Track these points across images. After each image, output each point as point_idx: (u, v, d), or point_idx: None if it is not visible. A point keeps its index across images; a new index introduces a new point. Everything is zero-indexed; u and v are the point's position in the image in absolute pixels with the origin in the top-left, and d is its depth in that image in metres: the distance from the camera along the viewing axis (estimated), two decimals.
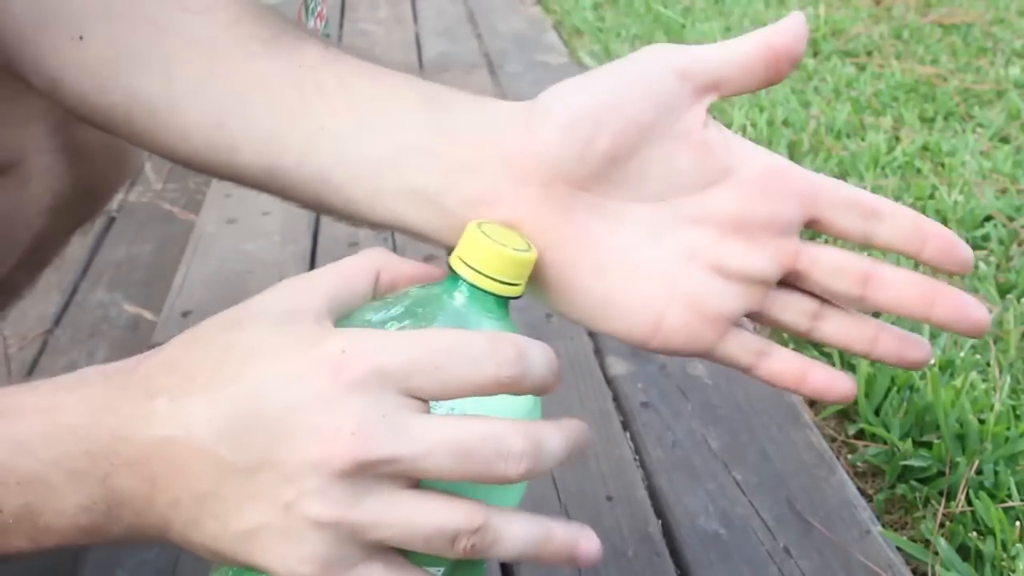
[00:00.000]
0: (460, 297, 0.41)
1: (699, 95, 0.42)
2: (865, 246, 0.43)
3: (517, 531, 0.37)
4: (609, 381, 0.92)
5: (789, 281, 0.44)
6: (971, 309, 0.42)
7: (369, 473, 0.35)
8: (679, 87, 0.41)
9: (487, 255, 0.40)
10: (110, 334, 1.08)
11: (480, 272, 0.40)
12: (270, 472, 0.35)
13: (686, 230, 0.42)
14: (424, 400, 0.37)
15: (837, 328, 0.44)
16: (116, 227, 1.34)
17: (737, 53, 0.42)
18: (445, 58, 1.91)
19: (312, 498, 0.35)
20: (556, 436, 0.38)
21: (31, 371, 1.02)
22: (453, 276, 0.41)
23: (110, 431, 0.36)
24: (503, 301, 0.41)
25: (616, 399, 0.89)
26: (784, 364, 0.44)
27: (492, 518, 0.37)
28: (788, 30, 0.42)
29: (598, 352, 0.96)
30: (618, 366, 0.93)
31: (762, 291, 0.43)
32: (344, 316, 0.41)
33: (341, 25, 2.17)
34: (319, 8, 1.82)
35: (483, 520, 0.36)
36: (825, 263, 0.43)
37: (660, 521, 0.75)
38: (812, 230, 0.44)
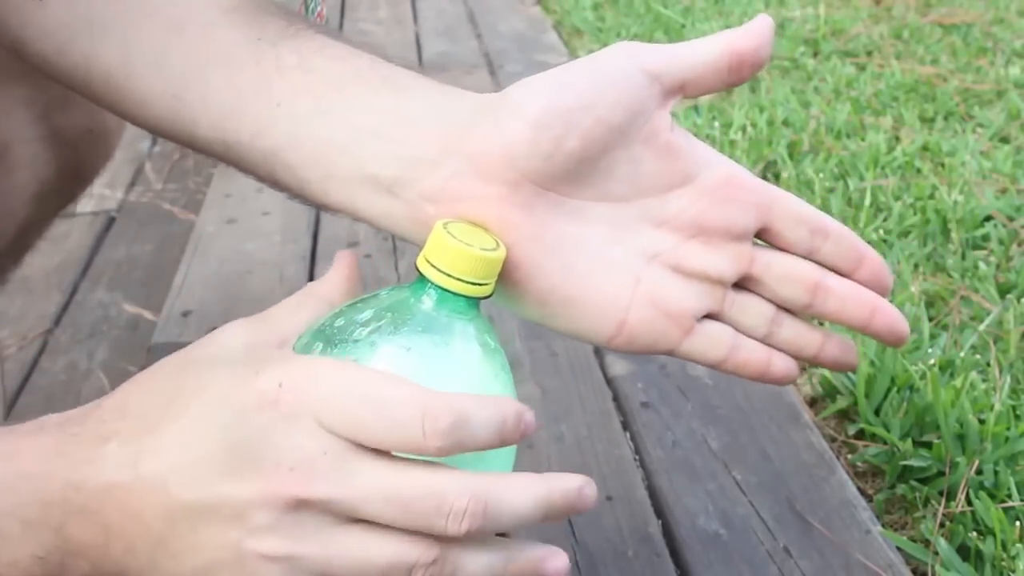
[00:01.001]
0: (428, 300, 0.40)
1: (667, 97, 0.42)
2: (807, 259, 0.45)
3: (476, 560, 0.37)
4: (609, 381, 0.92)
5: (745, 285, 0.45)
6: (900, 324, 0.46)
7: (314, 509, 0.35)
8: (649, 89, 0.41)
9: (454, 256, 0.39)
10: (110, 334, 1.08)
11: (448, 274, 0.39)
12: (219, 509, 0.35)
13: (648, 231, 0.43)
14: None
15: (792, 333, 0.45)
16: (116, 227, 1.34)
17: (702, 54, 0.42)
18: (445, 58, 1.91)
19: (261, 534, 0.35)
20: (517, 494, 0.36)
21: (31, 371, 1.02)
22: (421, 278, 0.40)
23: (62, 479, 0.36)
24: (473, 301, 0.41)
25: (616, 399, 0.89)
26: (750, 354, 0.45)
27: (449, 551, 0.36)
28: (752, 34, 0.42)
29: (598, 352, 0.96)
30: (618, 366, 0.93)
31: (720, 291, 0.44)
32: (312, 324, 0.41)
33: (341, 25, 2.17)
34: (319, 8, 1.82)
35: (438, 553, 0.36)
36: (777, 270, 0.44)
37: (660, 521, 0.75)
38: (762, 239, 0.45)
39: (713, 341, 0.44)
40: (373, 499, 0.35)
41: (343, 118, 0.43)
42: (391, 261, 1.15)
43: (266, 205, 1.32)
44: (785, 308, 0.45)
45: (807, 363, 0.47)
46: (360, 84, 0.44)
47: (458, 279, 0.39)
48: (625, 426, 0.86)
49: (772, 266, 0.44)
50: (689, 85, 0.42)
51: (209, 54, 0.45)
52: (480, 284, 0.40)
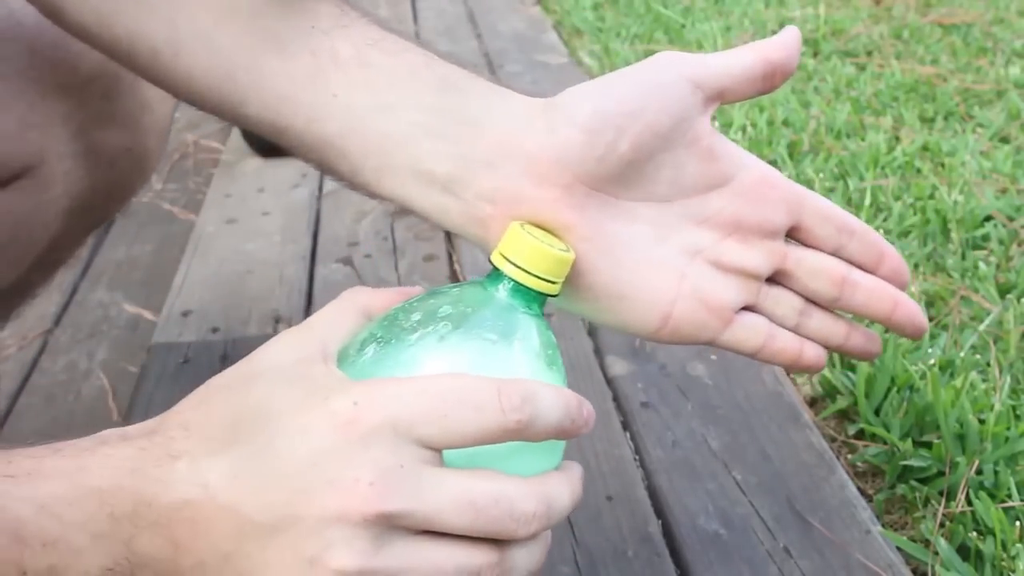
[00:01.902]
0: (502, 293, 0.42)
1: (708, 104, 0.45)
2: (834, 255, 0.48)
3: (530, 554, 0.39)
4: (609, 381, 0.92)
5: (777, 280, 0.48)
6: (919, 317, 0.49)
7: (389, 523, 0.36)
8: (692, 96, 0.44)
9: (532, 253, 0.41)
10: (110, 334, 1.08)
11: (524, 269, 0.41)
12: (292, 527, 0.36)
13: (690, 229, 0.46)
14: (436, 449, 0.37)
15: (820, 324, 0.49)
16: (116, 227, 1.34)
17: (739, 64, 0.45)
18: (445, 58, 1.91)
19: (335, 550, 0.35)
20: (565, 493, 0.40)
21: (31, 371, 1.02)
22: (494, 273, 0.42)
23: (133, 495, 0.37)
24: (542, 299, 0.42)
25: (616, 399, 0.89)
26: (784, 343, 0.48)
27: (507, 551, 0.38)
28: (784, 45, 0.45)
29: (598, 352, 0.96)
30: (618, 366, 0.93)
31: (756, 285, 0.47)
32: (385, 318, 0.42)
33: None
34: None
35: (499, 554, 0.38)
36: (808, 265, 0.47)
37: (660, 521, 0.75)
38: (793, 237, 0.48)
39: (750, 331, 0.47)
40: (447, 509, 0.36)
41: (401, 114, 0.45)
42: (391, 261, 1.15)
43: (266, 205, 1.32)
44: (813, 301, 0.48)
45: (835, 351, 0.50)
46: (417, 82, 0.45)
47: (533, 275, 0.41)
48: (625, 426, 0.86)
49: (803, 262, 0.47)
50: (728, 92, 0.45)
51: (261, 39, 0.46)
52: (552, 282, 0.42)
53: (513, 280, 0.42)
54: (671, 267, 0.46)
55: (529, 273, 0.41)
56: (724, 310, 0.46)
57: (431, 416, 0.37)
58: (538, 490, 0.38)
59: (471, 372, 0.39)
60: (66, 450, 0.38)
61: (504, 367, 0.40)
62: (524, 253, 0.41)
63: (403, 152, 0.45)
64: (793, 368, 0.49)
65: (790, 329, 0.48)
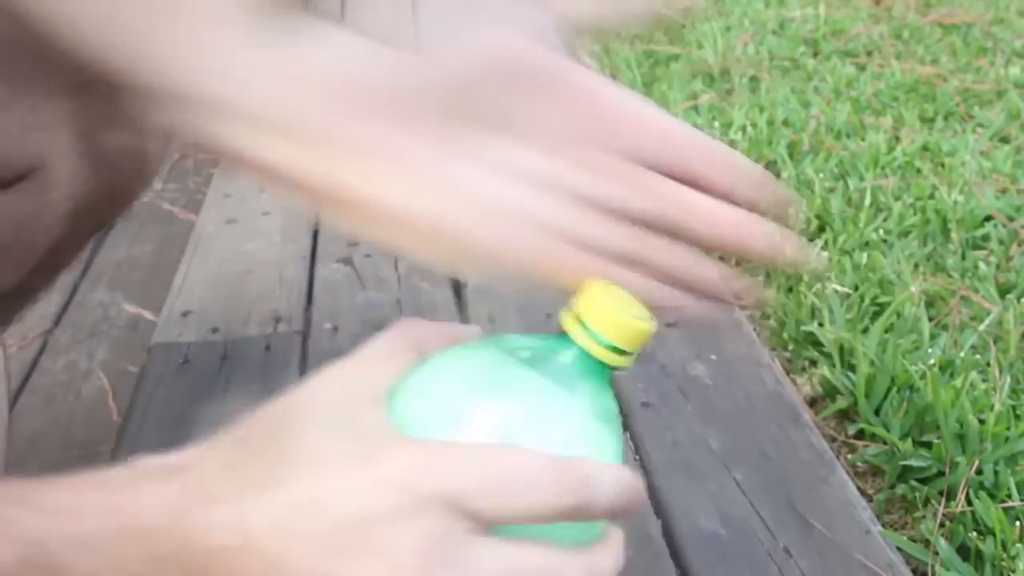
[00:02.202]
0: (571, 356, 0.40)
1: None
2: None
3: None
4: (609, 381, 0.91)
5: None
6: (773, 237, 0.44)
7: None
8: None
9: (610, 321, 0.39)
10: (110, 334, 1.08)
11: (599, 339, 0.39)
12: None
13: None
14: (487, 522, 0.36)
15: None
16: (116, 227, 1.34)
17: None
18: None
19: None
20: (609, 563, 0.39)
21: (31, 371, 1.02)
22: (565, 335, 0.40)
23: (173, 536, 0.36)
24: (611, 369, 0.40)
25: (616, 399, 0.89)
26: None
27: None
28: None
29: None
30: None
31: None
32: (442, 361, 0.40)
33: None
34: None
35: None
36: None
37: (660, 521, 0.75)
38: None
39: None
40: None
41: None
42: (391, 261, 1.15)
43: (266, 205, 1.32)
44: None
45: (713, 297, 0.45)
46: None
47: (608, 346, 0.39)
48: (625, 426, 0.86)
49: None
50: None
51: None
52: (627, 354, 0.40)
53: (585, 349, 0.39)
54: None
55: (603, 344, 0.39)
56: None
57: (486, 491, 0.36)
58: (585, 562, 0.38)
59: (526, 434, 0.38)
60: (106, 484, 0.38)
61: (563, 435, 0.39)
62: (603, 320, 0.39)
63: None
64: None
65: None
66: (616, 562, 0.40)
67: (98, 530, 0.36)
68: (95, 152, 0.63)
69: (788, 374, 0.94)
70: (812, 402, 0.91)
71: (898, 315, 0.97)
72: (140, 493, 0.37)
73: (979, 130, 1.45)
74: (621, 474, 0.39)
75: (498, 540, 0.36)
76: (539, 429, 0.38)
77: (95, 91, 0.60)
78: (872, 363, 0.88)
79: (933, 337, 0.94)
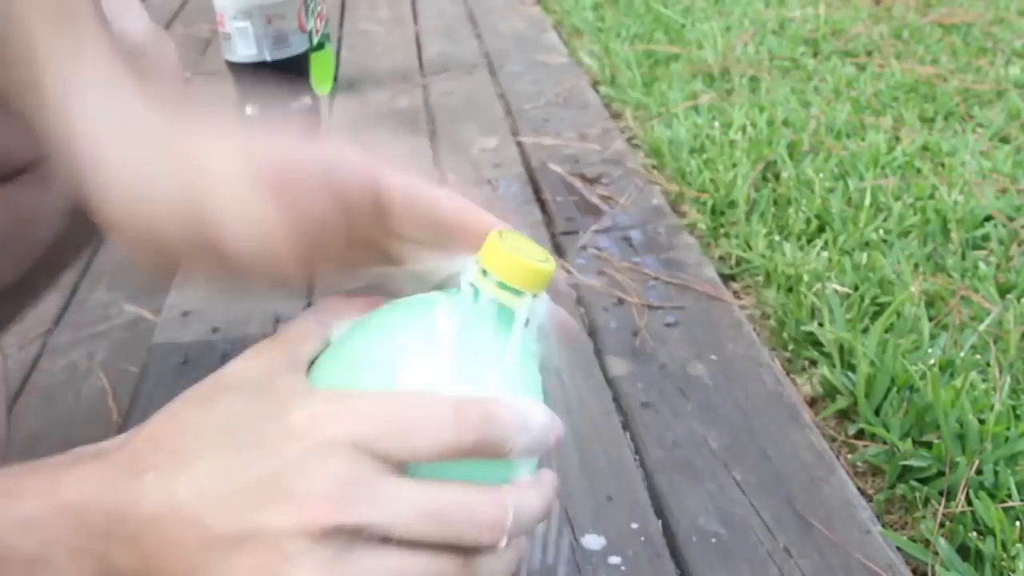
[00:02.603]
0: (480, 302, 0.41)
1: None
2: None
3: (499, 562, 0.39)
4: (609, 381, 0.92)
5: None
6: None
7: (349, 534, 0.36)
8: None
9: (510, 264, 0.41)
10: (110, 334, 1.08)
11: (502, 282, 0.41)
12: (253, 540, 0.36)
13: None
14: (396, 463, 0.37)
15: None
16: None
17: None
18: (445, 58, 1.91)
19: (298, 561, 0.35)
20: (533, 501, 0.40)
21: (31, 371, 1.02)
22: (474, 283, 0.41)
23: (105, 511, 0.37)
24: (512, 312, 0.42)
25: (616, 399, 0.89)
26: None
27: (474, 559, 0.38)
28: None
29: (598, 352, 0.96)
30: (618, 366, 0.93)
31: None
32: (358, 324, 0.42)
33: (341, 25, 2.17)
34: (319, 8, 1.82)
35: (463, 562, 0.38)
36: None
37: (660, 521, 0.75)
38: None
39: None
40: (406, 519, 0.36)
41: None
42: None
43: None
44: None
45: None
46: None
47: (512, 288, 0.41)
48: (625, 426, 0.86)
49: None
50: None
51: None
52: (532, 294, 0.42)
53: (491, 294, 0.41)
54: None
55: (508, 287, 0.41)
56: None
57: (389, 431, 0.37)
58: (502, 498, 0.38)
59: (443, 380, 0.39)
60: (43, 468, 0.39)
61: (478, 377, 0.40)
62: (503, 265, 0.41)
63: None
64: None
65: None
66: (543, 501, 0.40)
67: (32, 511, 0.37)
68: (70, 191, 0.63)
69: (788, 374, 0.94)
70: (812, 402, 0.91)
71: (898, 315, 0.97)
72: (72, 473, 0.38)
73: (979, 130, 1.45)
74: (530, 410, 0.39)
75: (410, 479, 0.37)
76: (455, 374, 0.40)
77: None
78: (872, 363, 0.88)
79: (933, 337, 0.94)
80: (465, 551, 0.38)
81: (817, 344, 0.96)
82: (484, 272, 0.41)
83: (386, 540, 0.37)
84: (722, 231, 1.20)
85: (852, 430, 0.86)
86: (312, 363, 0.41)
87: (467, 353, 0.41)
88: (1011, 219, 1.16)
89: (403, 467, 0.37)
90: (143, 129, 0.44)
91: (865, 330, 0.95)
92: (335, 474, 0.36)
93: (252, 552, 0.36)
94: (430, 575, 0.37)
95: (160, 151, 0.43)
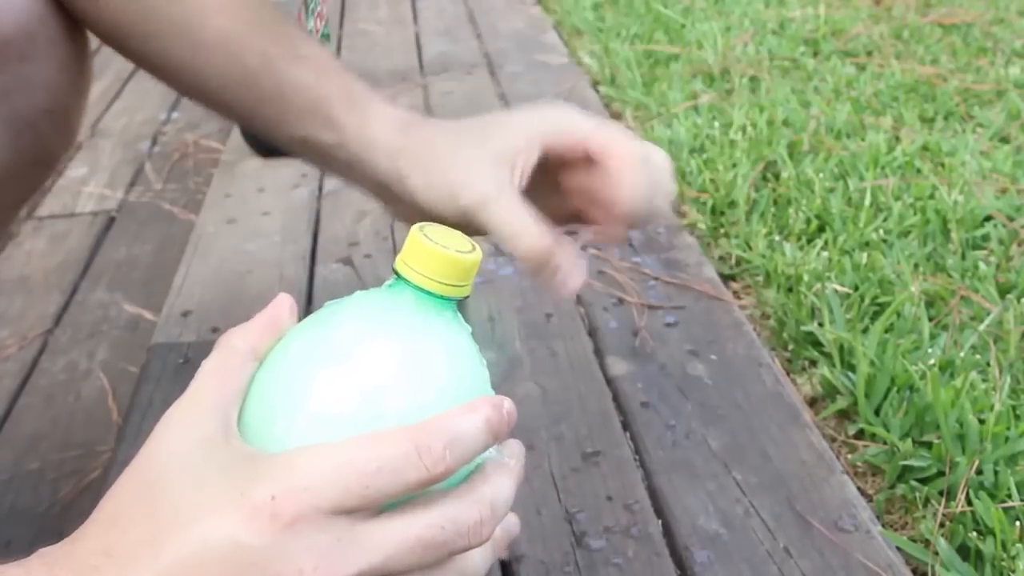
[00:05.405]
0: (411, 303, 0.40)
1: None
2: None
3: (484, 552, 0.40)
4: (609, 381, 0.92)
5: None
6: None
7: None
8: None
9: (436, 260, 0.40)
10: (110, 334, 1.08)
11: (426, 276, 0.40)
12: None
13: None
14: (366, 511, 0.36)
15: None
16: (116, 227, 1.34)
17: None
18: (445, 58, 1.91)
19: None
20: (506, 481, 0.39)
21: (31, 371, 1.02)
22: (400, 280, 0.40)
23: None
24: (451, 301, 0.41)
25: (616, 399, 0.89)
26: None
27: (463, 557, 0.39)
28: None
29: (598, 352, 0.96)
30: (618, 366, 0.93)
31: None
32: (281, 350, 0.40)
33: (341, 25, 2.17)
34: (319, 8, 1.82)
35: (455, 563, 0.38)
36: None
37: (660, 521, 0.75)
38: None
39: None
40: (397, 555, 0.36)
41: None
42: (391, 261, 1.15)
43: (266, 205, 1.32)
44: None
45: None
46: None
47: (437, 281, 0.40)
48: (625, 426, 0.86)
49: None
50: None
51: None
52: (457, 286, 0.41)
53: (421, 288, 0.40)
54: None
55: (432, 279, 0.40)
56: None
57: (353, 490, 0.36)
58: (479, 495, 0.38)
59: (387, 388, 0.38)
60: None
61: (422, 377, 0.39)
62: (427, 261, 0.40)
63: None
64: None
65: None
66: (514, 476, 0.40)
67: None
68: (13, 115, 0.62)
69: (788, 374, 0.94)
70: (812, 402, 0.91)
71: (898, 315, 0.97)
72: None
73: (979, 130, 1.45)
74: (480, 409, 0.38)
75: (388, 515, 0.37)
76: (399, 380, 0.38)
77: (7, 54, 0.59)
78: (872, 363, 0.88)
79: (933, 337, 0.94)
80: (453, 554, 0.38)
81: (817, 344, 0.96)
82: (412, 269, 0.40)
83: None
84: (722, 231, 1.20)
85: (852, 430, 0.86)
86: (246, 413, 0.39)
87: (412, 354, 0.39)
88: (1011, 219, 1.16)
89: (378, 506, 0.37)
90: (419, 153, 0.57)
91: (865, 330, 0.95)
92: (316, 546, 0.35)
93: None
94: None
95: (435, 170, 0.56)
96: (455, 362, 0.41)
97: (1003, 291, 1.02)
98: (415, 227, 0.41)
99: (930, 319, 0.97)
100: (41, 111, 0.64)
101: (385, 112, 0.59)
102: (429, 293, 0.40)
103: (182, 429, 0.38)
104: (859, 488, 0.78)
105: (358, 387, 0.38)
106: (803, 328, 0.97)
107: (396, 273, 0.41)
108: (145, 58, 0.62)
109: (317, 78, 0.59)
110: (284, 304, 0.42)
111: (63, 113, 0.66)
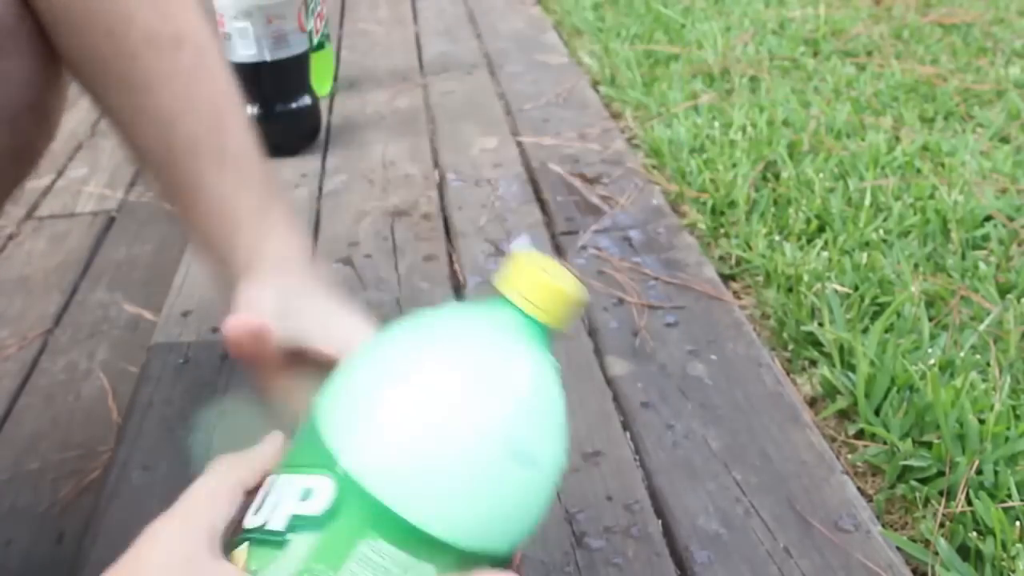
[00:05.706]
0: (513, 325, 0.41)
1: None
2: None
3: None
4: (609, 381, 0.92)
5: None
6: None
7: None
8: None
9: (544, 291, 0.41)
10: (110, 334, 1.08)
11: (537, 305, 0.41)
12: None
13: None
14: None
15: None
16: (116, 227, 1.34)
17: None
18: (445, 58, 1.91)
19: None
20: None
21: (31, 371, 1.02)
22: (506, 303, 0.41)
23: None
24: (551, 333, 0.42)
25: (616, 399, 0.89)
26: None
27: None
28: None
29: (598, 352, 0.96)
30: (618, 366, 0.93)
31: None
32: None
33: (341, 25, 2.17)
34: (319, 8, 1.82)
35: None
36: None
37: (660, 521, 0.75)
38: None
39: None
40: None
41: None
42: (391, 261, 1.15)
43: None
44: None
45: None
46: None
47: (545, 311, 0.41)
48: (625, 426, 0.86)
49: None
50: None
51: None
52: (561, 316, 0.42)
53: (544, 325, 0.41)
54: None
55: (541, 308, 0.41)
56: None
57: None
58: None
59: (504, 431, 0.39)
60: None
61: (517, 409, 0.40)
62: (537, 290, 0.41)
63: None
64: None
65: None
66: None
67: None
68: None
69: (788, 374, 0.94)
70: (812, 402, 0.91)
71: (898, 315, 0.97)
72: None
73: (979, 130, 1.45)
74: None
75: None
76: (496, 396, 0.40)
77: None
78: (872, 363, 0.88)
79: (933, 337, 0.94)
80: None
81: (817, 344, 0.96)
82: (520, 292, 0.41)
83: None
84: (722, 231, 1.20)
85: (852, 430, 0.86)
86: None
87: (512, 374, 0.41)
88: (1011, 219, 1.16)
89: None
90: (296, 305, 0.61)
91: (865, 330, 0.95)
92: None
93: None
94: None
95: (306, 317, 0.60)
96: (550, 393, 0.42)
97: (1003, 291, 1.02)
98: (523, 255, 0.42)
99: (930, 319, 0.97)
100: (20, 107, 0.63)
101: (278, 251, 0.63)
102: (542, 326, 0.41)
103: (171, 544, 0.39)
104: (859, 488, 0.78)
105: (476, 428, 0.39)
106: (803, 328, 0.97)
107: (519, 293, 0.41)
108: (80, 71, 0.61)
109: (235, 190, 0.62)
110: (276, 442, 0.45)
111: (42, 109, 0.66)
